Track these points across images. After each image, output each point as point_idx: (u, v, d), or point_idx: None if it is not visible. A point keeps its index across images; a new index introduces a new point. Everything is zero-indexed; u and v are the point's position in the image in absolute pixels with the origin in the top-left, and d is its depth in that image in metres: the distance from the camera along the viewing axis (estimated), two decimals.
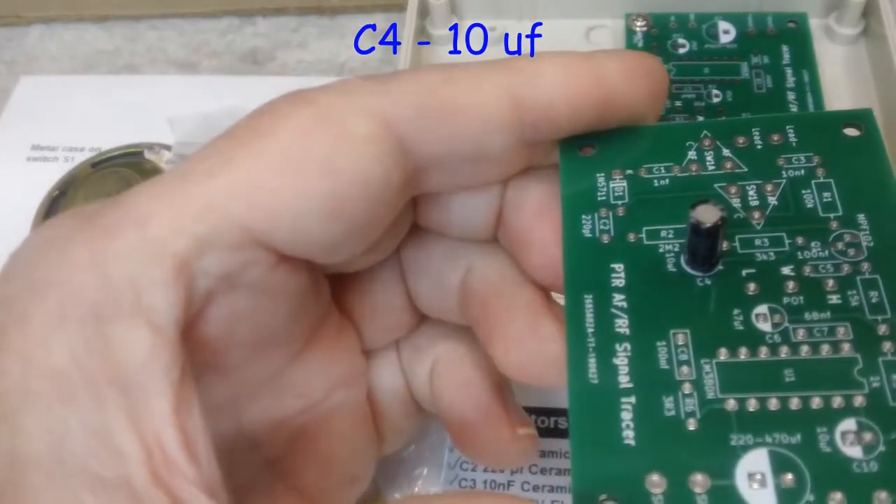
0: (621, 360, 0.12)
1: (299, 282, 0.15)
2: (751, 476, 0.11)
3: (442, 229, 0.16)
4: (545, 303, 0.16)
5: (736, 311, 0.13)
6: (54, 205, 0.26)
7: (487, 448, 0.17)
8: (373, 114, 0.13)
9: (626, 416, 0.12)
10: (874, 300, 0.13)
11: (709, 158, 0.14)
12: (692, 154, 0.14)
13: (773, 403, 0.12)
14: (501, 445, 0.17)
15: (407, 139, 0.14)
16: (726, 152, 0.14)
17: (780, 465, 0.11)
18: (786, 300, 0.13)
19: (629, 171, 0.14)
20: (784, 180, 0.14)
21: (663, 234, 0.14)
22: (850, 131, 0.14)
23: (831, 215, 0.14)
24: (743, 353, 0.12)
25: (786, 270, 0.13)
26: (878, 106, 0.25)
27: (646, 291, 0.13)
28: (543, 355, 0.15)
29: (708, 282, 0.13)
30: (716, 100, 0.25)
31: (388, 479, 0.21)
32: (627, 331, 0.13)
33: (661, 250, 0.13)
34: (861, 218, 0.13)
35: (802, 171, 0.14)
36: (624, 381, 0.12)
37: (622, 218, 0.14)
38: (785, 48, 0.26)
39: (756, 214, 0.14)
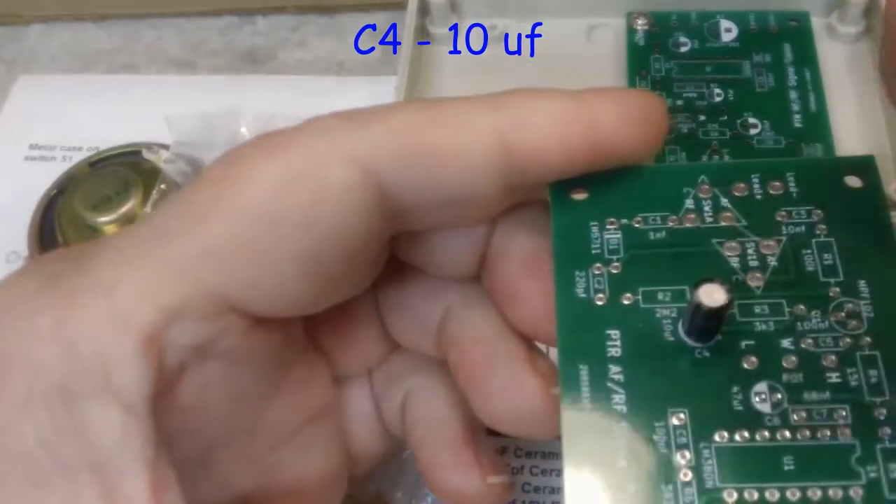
0: (619, 443, 0.12)
1: (275, 340, 0.14)
2: None
3: (422, 266, 0.16)
4: (528, 356, 0.15)
5: (735, 389, 0.12)
6: (52, 204, 0.26)
7: (456, 492, 0.16)
8: (351, 160, 0.13)
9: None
10: (873, 380, 0.12)
11: (707, 208, 0.14)
12: (689, 202, 0.14)
13: (772, 495, 0.12)
14: (470, 492, 0.16)
15: (387, 184, 0.13)
16: (725, 202, 0.14)
17: None
18: (785, 377, 0.12)
19: (624, 221, 0.14)
20: (784, 237, 0.13)
21: (660, 296, 0.13)
22: (852, 181, 0.14)
23: (832, 280, 0.13)
24: (742, 436, 0.12)
25: (785, 343, 0.13)
26: (880, 105, 0.25)
27: (642, 364, 0.13)
28: (525, 410, 0.15)
29: (707, 354, 0.13)
30: (717, 99, 0.25)
31: (388, 481, 0.21)
32: (625, 408, 0.12)
33: (657, 315, 0.13)
34: (862, 285, 0.13)
35: (803, 228, 0.13)
36: (622, 464, 0.12)
37: (617, 276, 0.13)
38: (787, 47, 0.26)
39: (756, 276, 0.13)
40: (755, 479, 0.12)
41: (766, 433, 0.12)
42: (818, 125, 0.24)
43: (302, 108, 0.27)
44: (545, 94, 0.13)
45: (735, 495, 0.12)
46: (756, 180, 0.14)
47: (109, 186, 0.25)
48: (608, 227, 0.14)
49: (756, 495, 0.12)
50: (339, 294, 0.14)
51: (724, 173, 0.14)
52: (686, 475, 0.12)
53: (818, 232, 0.13)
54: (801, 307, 0.13)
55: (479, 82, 0.27)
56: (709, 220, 0.14)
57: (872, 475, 0.12)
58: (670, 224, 0.14)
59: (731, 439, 0.12)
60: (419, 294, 0.16)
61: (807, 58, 0.25)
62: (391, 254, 0.15)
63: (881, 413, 0.12)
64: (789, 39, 0.26)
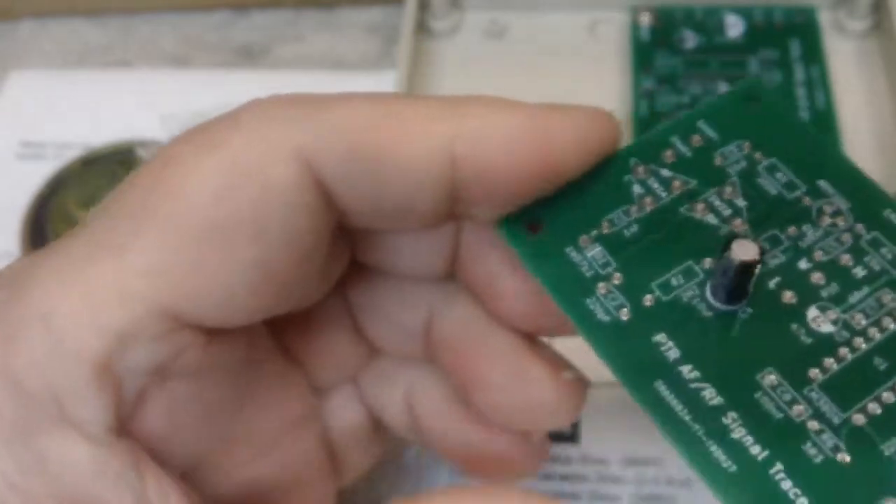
0: (740, 433, 0.12)
1: (237, 351, 0.13)
2: None
3: (388, 270, 0.15)
4: (526, 345, 0.14)
5: (794, 327, 0.12)
6: (45, 203, 0.26)
7: (508, 466, 0.16)
8: (294, 156, 0.11)
9: (787, 485, 0.11)
10: (889, 256, 0.13)
11: (655, 185, 0.13)
12: (637, 188, 0.13)
13: (888, 397, 0.12)
14: (523, 456, 0.15)
15: (328, 184, 0.12)
16: (665, 173, 0.13)
17: None
18: (824, 293, 0.13)
19: (594, 233, 0.13)
20: (735, 177, 0.13)
21: (674, 281, 0.13)
22: (753, 106, 0.14)
23: (798, 192, 0.13)
24: (831, 364, 0.12)
25: (803, 265, 0.13)
26: (889, 103, 0.24)
27: (703, 349, 0.12)
28: (534, 400, 0.14)
29: (749, 310, 0.12)
30: None
31: (389, 485, 0.21)
32: (720, 399, 0.12)
33: (685, 299, 0.13)
34: (823, 184, 0.13)
35: (744, 162, 0.14)
36: (759, 452, 0.12)
37: (624, 285, 0.13)
38: (794, 42, 0.25)
39: (737, 223, 0.13)
40: (868, 392, 0.12)
41: (846, 349, 0.12)
42: (826, 123, 0.24)
43: None
44: (503, 107, 0.12)
45: (863, 417, 0.12)
46: (677, 141, 0.14)
47: (102, 184, 0.25)
48: (583, 245, 0.13)
49: (878, 407, 0.12)
50: (295, 298, 0.13)
51: (647, 148, 0.14)
52: (813, 425, 0.12)
53: (757, 159, 0.14)
54: (792, 228, 0.13)
55: (480, 77, 0.26)
56: (663, 195, 0.13)
57: None
58: (634, 215, 0.13)
59: (826, 370, 0.12)
60: (396, 298, 0.15)
61: (814, 54, 0.25)
62: (355, 256, 0.14)
63: None
64: (796, 35, 0.25)
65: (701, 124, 0.14)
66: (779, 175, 0.13)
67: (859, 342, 0.12)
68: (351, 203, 0.12)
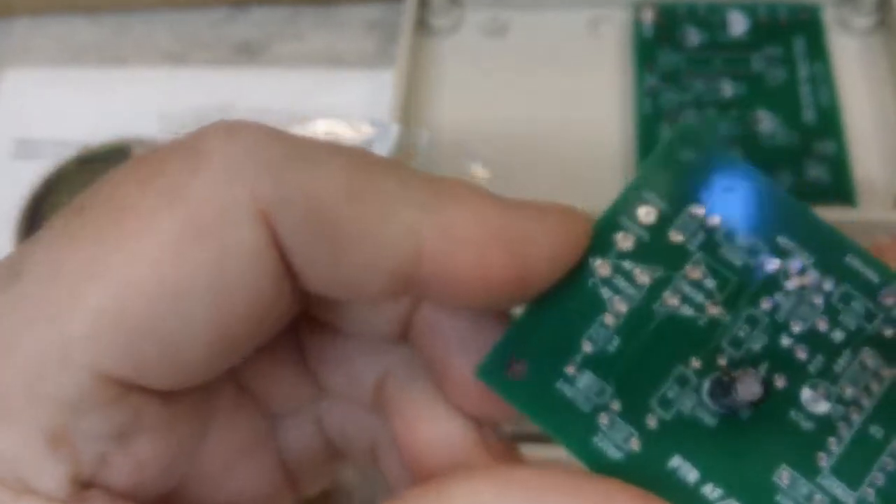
0: None
1: (197, 399, 0.13)
2: None
3: (341, 329, 0.14)
4: (476, 439, 0.13)
5: (793, 414, 0.12)
6: (40, 203, 0.26)
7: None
8: (256, 217, 0.11)
9: None
10: (862, 309, 0.12)
11: (620, 283, 0.13)
12: (605, 291, 0.13)
13: (888, 463, 0.12)
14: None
15: (287, 248, 0.11)
16: (627, 265, 0.13)
17: None
18: (811, 369, 0.12)
19: (577, 359, 0.12)
20: (697, 253, 0.13)
21: (670, 394, 0.12)
22: (692, 155, 0.13)
23: (763, 257, 0.13)
24: (835, 443, 0.12)
25: (785, 342, 0.12)
26: (893, 100, 0.24)
27: (720, 460, 0.12)
28: None
29: (747, 411, 0.12)
30: (727, 93, 0.24)
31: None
32: None
33: (686, 413, 0.12)
34: (783, 241, 0.13)
35: (702, 234, 0.13)
36: None
37: (624, 412, 0.12)
38: (798, 40, 0.25)
39: (714, 310, 0.13)
40: (871, 463, 0.12)
41: (843, 424, 0.12)
42: (831, 120, 0.24)
43: (297, 102, 0.26)
44: (478, 204, 0.11)
45: (871, 491, 0.12)
46: (627, 222, 0.13)
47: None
48: (572, 375, 0.12)
49: (882, 476, 0.12)
50: (247, 351, 0.12)
51: (600, 238, 0.13)
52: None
53: (713, 225, 0.13)
54: (765, 301, 0.13)
55: (480, 76, 0.26)
56: (632, 292, 0.13)
57: None
58: (612, 324, 0.13)
59: (831, 452, 0.12)
60: (352, 350, 0.14)
61: (818, 51, 0.25)
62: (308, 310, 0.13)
63: (889, 332, 0.12)
64: (801, 32, 0.25)
65: (646, 194, 0.13)
66: (739, 240, 0.13)
67: (854, 415, 0.12)
68: (305, 269, 0.11)
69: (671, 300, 0.13)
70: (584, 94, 0.25)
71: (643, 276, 0.13)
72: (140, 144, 0.25)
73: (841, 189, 0.23)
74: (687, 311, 0.13)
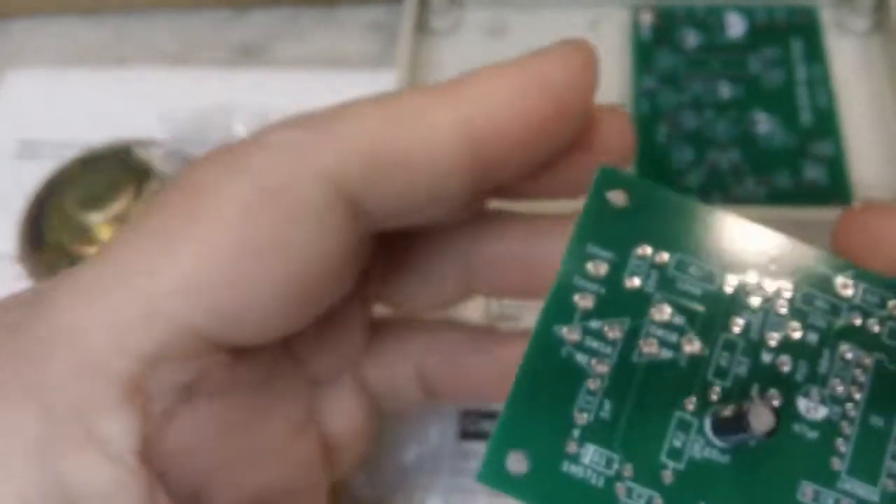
0: None
1: (260, 365, 0.13)
2: None
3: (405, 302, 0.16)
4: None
5: (797, 427, 0.12)
6: (42, 204, 0.26)
7: None
8: (321, 176, 0.12)
9: None
10: (825, 305, 0.13)
11: (592, 344, 0.12)
12: (580, 357, 0.12)
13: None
14: None
15: (356, 196, 0.12)
16: (594, 324, 0.12)
17: None
18: (799, 377, 0.12)
19: (576, 433, 0.12)
20: (656, 293, 0.13)
21: (677, 443, 0.12)
22: (621, 196, 0.13)
23: (719, 281, 0.13)
24: (842, 444, 0.12)
25: (766, 358, 0.12)
26: (891, 102, 0.24)
27: (741, 498, 0.12)
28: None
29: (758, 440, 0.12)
30: (725, 94, 0.24)
31: (388, 487, 0.21)
32: None
33: (698, 458, 0.12)
34: (732, 258, 0.13)
35: (655, 273, 0.13)
36: None
37: (637, 474, 0.12)
38: (795, 41, 0.25)
39: (692, 346, 0.13)
40: (883, 453, 0.12)
41: (845, 423, 0.12)
42: (828, 121, 0.24)
43: (299, 102, 0.26)
44: (499, 74, 0.13)
45: (891, 482, 0.12)
46: (580, 280, 0.13)
47: (101, 184, 0.25)
48: (574, 453, 0.12)
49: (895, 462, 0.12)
50: (322, 307, 0.13)
51: (559, 306, 0.13)
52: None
53: (663, 262, 0.13)
54: (736, 324, 0.13)
55: None
56: (607, 350, 0.12)
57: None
58: (598, 388, 0.12)
59: (842, 454, 0.12)
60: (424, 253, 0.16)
61: (816, 53, 0.25)
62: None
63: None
64: (798, 34, 0.25)
65: (590, 249, 0.13)
66: (692, 270, 0.13)
67: (851, 411, 0.12)
68: (381, 207, 0.13)
69: (647, 348, 0.12)
70: None
71: (613, 332, 0.12)
72: (142, 145, 0.25)
73: (838, 190, 0.23)
74: (666, 354, 0.12)
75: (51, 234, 0.25)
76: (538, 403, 0.12)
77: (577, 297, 0.13)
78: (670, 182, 0.23)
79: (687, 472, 0.12)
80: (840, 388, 0.12)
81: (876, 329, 0.12)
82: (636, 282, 0.13)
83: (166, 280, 0.11)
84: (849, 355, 0.12)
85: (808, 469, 0.12)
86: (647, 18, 0.26)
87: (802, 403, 0.12)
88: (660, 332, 0.12)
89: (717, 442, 0.12)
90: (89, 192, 0.24)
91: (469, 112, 0.12)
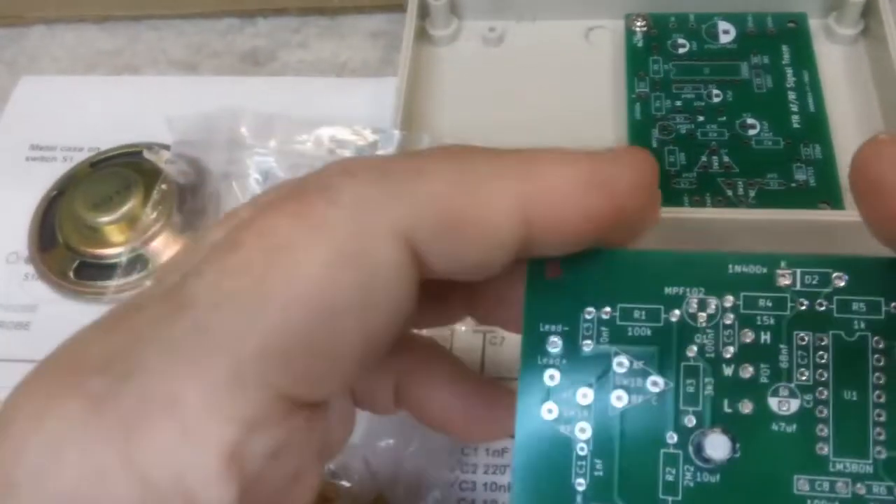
0: None
1: (323, 412, 0.13)
2: None
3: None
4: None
5: (776, 427, 0.13)
6: (53, 204, 0.26)
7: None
8: (396, 234, 0.12)
9: None
10: (768, 303, 0.13)
11: (570, 413, 0.13)
12: (566, 428, 0.13)
13: (880, 415, 0.12)
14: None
15: (421, 254, 0.12)
16: (566, 395, 0.14)
17: None
18: (763, 379, 0.13)
19: (580, 500, 0.13)
20: (612, 347, 0.13)
21: (669, 477, 0.13)
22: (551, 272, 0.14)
23: (664, 316, 0.13)
24: (824, 429, 0.12)
25: (728, 372, 0.13)
26: (878, 106, 0.25)
27: None
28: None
29: (738, 444, 0.13)
30: (716, 99, 0.25)
31: (388, 482, 0.21)
32: None
33: (693, 487, 0.13)
34: (671, 290, 0.13)
35: (605, 329, 0.13)
36: None
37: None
38: (785, 48, 0.26)
39: (656, 383, 0.13)
40: (866, 425, 0.12)
41: (820, 407, 0.12)
42: (817, 126, 0.24)
43: (303, 109, 0.27)
44: (567, 161, 0.13)
45: (882, 449, 0.12)
46: (546, 376, 0.14)
47: (110, 187, 0.25)
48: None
49: (882, 431, 0.12)
50: (383, 356, 0.13)
51: (530, 395, 0.14)
52: (861, 489, 0.12)
53: (608, 315, 0.14)
54: (690, 348, 0.13)
55: (478, 83, 0.27)
56: (581, 413, 0.13)
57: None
58: (584, 452, 0.13)
59: (826, 439, 0.12)
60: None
61: (805, 59, 0.25)
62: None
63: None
64: (787, 41, 0.26)
65: (543, 326, 0.14)
66: (636, 314, 0.13)
67: (822, 393, 0.12)
68: (437, 265, 0.13)
69: (618, 400, 0.13)
70: (578, 100, 0.26)
71: (584, 397, 0.13)
72: (150, 149, 0.26)
73: (827, 192, 0.23)
74: (636, 399, 0.13)
75: (61, 235, 0.25)
76: (541, 484, 0.13)
77: (546, 376, 0.13)
78: (663, 186, 0.24)
79: (685, 502, 0.13)
80: (805, 376, 0.13)
81: (823, 307, 0.13)
82: (590, 343, 0.13)
83: (250, 344, 0.11)
84: (805, 341, 0.13)
85: (797, 462, 0.12)
86: (640, 26, 0.26)
87: (774, 402, 0.13)
88: (625, 381, 0.13)
89: (702, 465, 0.13)
90: (99, 195, 0.25)
91: (531, 192, 0.13)
